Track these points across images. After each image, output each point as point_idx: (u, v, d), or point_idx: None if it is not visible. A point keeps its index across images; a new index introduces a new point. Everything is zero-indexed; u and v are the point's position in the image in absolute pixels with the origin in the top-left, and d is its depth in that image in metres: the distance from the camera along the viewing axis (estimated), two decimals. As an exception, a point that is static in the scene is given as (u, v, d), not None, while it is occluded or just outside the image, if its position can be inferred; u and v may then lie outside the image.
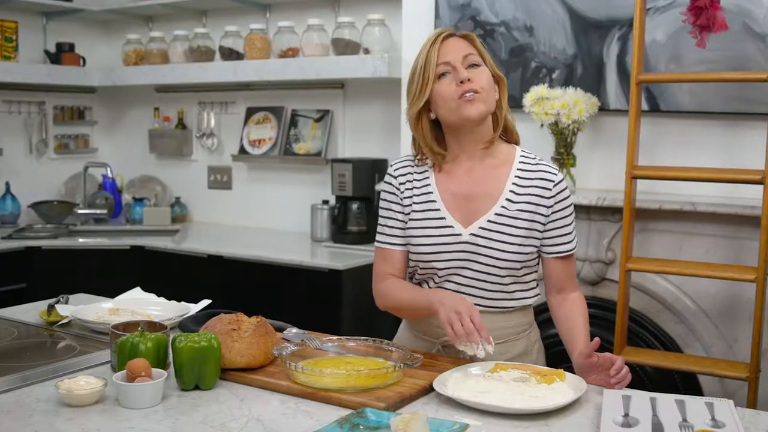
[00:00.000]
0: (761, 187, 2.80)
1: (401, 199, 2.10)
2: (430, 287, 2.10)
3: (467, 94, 1.97)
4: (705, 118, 3.20)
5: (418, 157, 2.12)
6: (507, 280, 2.05)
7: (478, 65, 2.01)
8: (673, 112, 3.24)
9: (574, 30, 3.43)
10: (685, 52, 3.16)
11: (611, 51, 3.35)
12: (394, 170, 2.14)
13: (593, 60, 3.40)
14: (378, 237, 2.15)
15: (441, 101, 2.01)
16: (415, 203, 2.09)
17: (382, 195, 2.15)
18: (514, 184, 2.05)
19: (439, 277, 2.07)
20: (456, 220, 2.04)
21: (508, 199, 2.04)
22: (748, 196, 3.03)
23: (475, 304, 2.03)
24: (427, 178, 2.10)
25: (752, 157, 3.02)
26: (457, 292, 2.05)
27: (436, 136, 2.09)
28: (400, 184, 2.12)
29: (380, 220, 2.14)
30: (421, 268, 2.09)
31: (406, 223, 2.09)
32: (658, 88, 3.24)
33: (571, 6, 3.43)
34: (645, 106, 3.21)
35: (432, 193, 2.08)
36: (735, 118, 3.14)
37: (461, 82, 1.97)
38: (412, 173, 2.12)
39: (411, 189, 2.10)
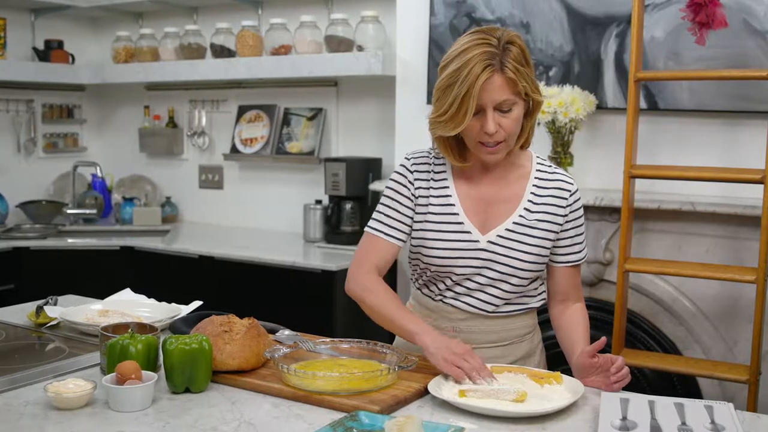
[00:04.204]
0: (761, 186, 2.79)
1: (414, 197, 2.04)
2: (440, 289, 2.06)
3: (488, 147, 1.92)
4: (704, 116, 3.18)
5: (434, 155, 2.06)
6: (519, 289, 2.03)
7: (510, 110, 1.89)
8: (672, 111, 3.22)
9: (572, 27, 3.40)
10: (684, 49, 3.13)
11: (609, 48, 3.33)
12: (411, 164, 2.06)
13: (591, 57, 3.37)
14: (373, 223, 2.06)
15: (465, 133, 1.94)
16: (432, 204, 2.03)
17: (392, 184, 2.07)
18: (532, 193, 2.02)
19: (452, 281, 2.04)
20: (474, 226, 2.00)
21: (526, 208, 2.01)
22: (748, 196, 3.02)
23: (483, 310, 2.04)
24: (446, 179, 2.04)
25: (752, 156, 3.01)
26: (468, 295, 2.03)
27: (457, 140, 2.01)
28: (416, 179, 2.05)
29: (381, 207, 2.06)
30: (431, 271, 2.05)
31: (412, 218, 2.04)
32: (656, 86, 3.22)
33: (568, 2, 3.40)
34: (643, 105, 3.20)
35: (451, 196, 2.03)
36: (735, 117, 3.12)
37: (487, 133, 1.89)
38: (429, 171, 2.05)
39: (428, 189, 2.04)
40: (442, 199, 2.03)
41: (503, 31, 1.90)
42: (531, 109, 1.96)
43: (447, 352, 1.82)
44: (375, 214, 2.07)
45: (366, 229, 2.08)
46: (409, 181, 2.05)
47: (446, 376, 1.83)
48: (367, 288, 2.03)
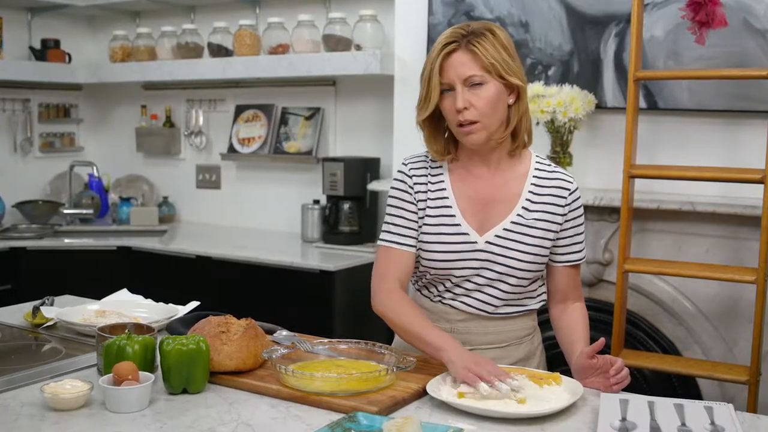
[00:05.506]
0: (761, 186, 2.77)
1: (416, 201, 2.03)
2: (439, 291, 2.06)
3: (463, 127, 1.91)
4: (704, 116, 3.17)
5: (431, 158, 2.06)
6: (518, 289, 2.02)
7: (480, 84, 1.89)
8: (671, 110, 3.21)
9: (571, 26, 3.39)
10: (684, 48, 3.13)
11: (608, 47, 3.32)
12: (409, 169, 2.06)
13: (590, 57, 3.36)
14: (385, 236, 2.05)
15: (445, 116, 1.95)
16: (429, 207, 2.02)
17: (394, 192, 2.06)
18: (530, 192, 2.01)
19: (451, 282, 2.03)
20: (471, 227, 1.99)
21: (524, 207, 1.99)
22: (748, 196, 3.01)
23: (481, 311, 2.03)
24: (442, 181, 2.03)
25: (752, 156, 3.00)
26: (467, 296, 2.02)
27: (449, 136, 2.02)
28: (415, 183, 2.04)
29: (389, 218, 2.05)
30: (431, 274, 2.04)
31: (418, 224, 2.03)
32: (656, 85, 3.20)
33: (568, 1, 3.39)
34: (643, 104, 3.19)
35: (447, 198, 2.02)
36: (735, 117, 3.11)
37: (458, 111, 1.89)
38: (426, 175, 2.05)
39: (425, 192, 2.03)
40: (439, 201, 2.02)
41: (482, 23, 1.94)
42: (518, 97, 1.95)
43: (470, 362, 1.79)
44: (384, 226, 2.07)
45: (378, 242, 2.08)
46: (409, 186, 2.04)
47: (445, 377, 1.82)
48: (390, 307, 2.00)
